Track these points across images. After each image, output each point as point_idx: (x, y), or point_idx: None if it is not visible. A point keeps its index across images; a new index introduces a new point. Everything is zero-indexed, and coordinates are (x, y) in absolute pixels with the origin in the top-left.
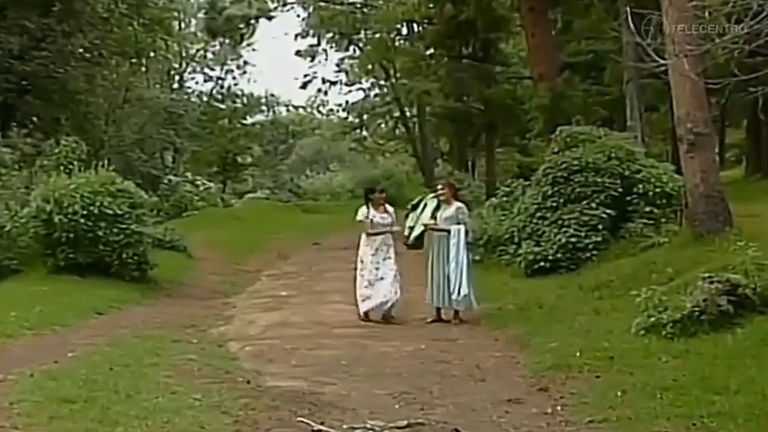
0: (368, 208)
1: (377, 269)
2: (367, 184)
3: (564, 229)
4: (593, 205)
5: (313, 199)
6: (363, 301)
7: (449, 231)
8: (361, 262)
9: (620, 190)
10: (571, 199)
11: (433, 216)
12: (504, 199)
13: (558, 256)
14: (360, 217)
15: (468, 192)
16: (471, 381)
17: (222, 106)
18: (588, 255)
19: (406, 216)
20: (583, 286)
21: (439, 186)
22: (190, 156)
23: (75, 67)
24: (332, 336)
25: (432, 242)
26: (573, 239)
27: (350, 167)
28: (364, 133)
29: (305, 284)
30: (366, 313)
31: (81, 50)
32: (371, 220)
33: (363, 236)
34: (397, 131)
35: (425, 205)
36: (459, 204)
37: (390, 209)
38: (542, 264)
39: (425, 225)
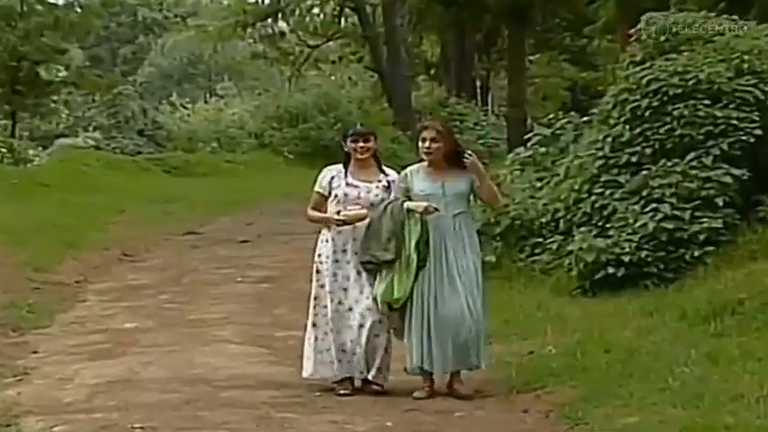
0: (345, 168)
1: (344, 292)
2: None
3: (653, 205)
4: (709, 162)
5: (185, 149)
6: (308, 359)
7: (457, 222)
8: (317, 278)
9: (759, 133)
10: (667, 150)
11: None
12: (542, 151)
13: (642, 255)
14: (318, 186)
15: (475, 137)
16: None
17: None
18: (698, 254)
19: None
20: (688, 312)
21: (424, 135)
22: None
23: None
24: (219, 405)
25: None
26: (669, 225)
27: (254, 92)
28: (281, 26)
29: (169, 309)
30: (340, 381)
31: None
32: (343, 194)
33: (324, 230)
34: (344, 23)
35: (404, 218)
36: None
37: (389, 174)
38: (611, 270)
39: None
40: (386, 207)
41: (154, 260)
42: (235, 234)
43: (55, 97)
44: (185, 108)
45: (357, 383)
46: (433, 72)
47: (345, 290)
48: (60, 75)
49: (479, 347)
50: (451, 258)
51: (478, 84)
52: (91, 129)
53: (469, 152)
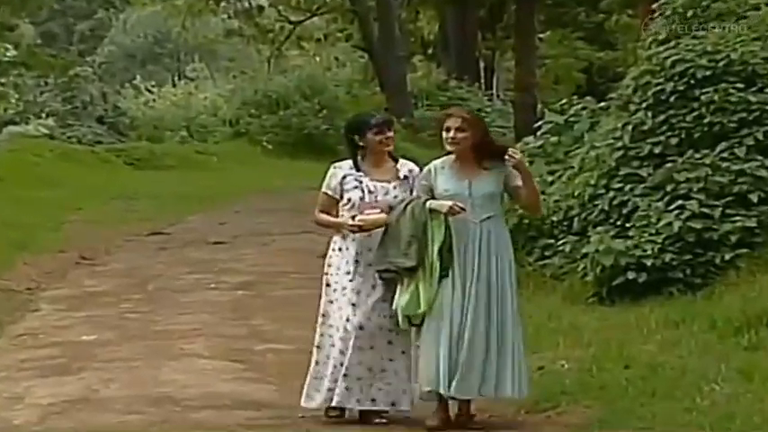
0: (355, 164)
1: (353, 308)
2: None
3: (679, 202)
4: (742, 153)
5: (150, 139)
6: (310, 390)
7: (485, 229)
8: (326, 293)
9: None
10: (694, 140)
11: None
12: (553, 140)
13: (666, 259)
14: (326, 188)
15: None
16: None
17: None
18: (729, 257)
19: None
20: (718, 322)
21: (448, 123)
22: None
23: None
24: (189, 427)
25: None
26: (697, 225)
27: (228, 74)
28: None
29: (132, 319)
30: (328, 409)
31: None
32: (359, 198)
33: (336, 237)
34: None
35: (426, 219)
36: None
37: (410, 167)
38: (631, 276)
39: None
40: (405, 207)
41: (115, 264)
42: (207, 234)
43: (3, 80)
44: (151, 92)
45: (355, 414)
46: (430, 52)
47: (355, 305)
48: (9, 54)
49: (507, 373)
50: (475, 271)
51: (482, 65)
52: (44, 115)
53: (512, 150)
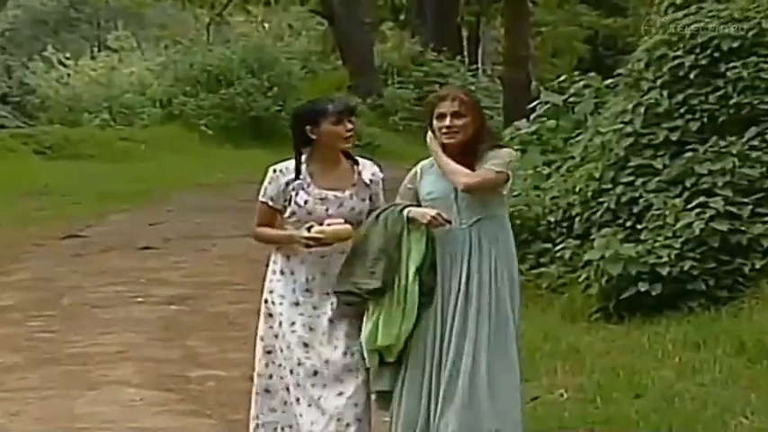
0: (297, 165)
1: (305, 348)
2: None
3: (700, 199)
4: None
5: (64, 122)
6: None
7: (474, 235)
8: (269, 325)
9: None
10: (719, 125)
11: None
12: (550, 125)
13: (686, 267)
14: (264, 195)
15: None
16: None
17: None
18: (760, 265)
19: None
20: (747, 343)
21: (442, 108)
22: None
23: None
24: None
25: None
26: (722, 226)
27: (159, 44)
28: None
29: (43, 339)
30: None
31: None
32: (306, 213)
33: (277, 256)
34: None
35: (401, 231)
36: (505, 150)
37: (373, 170)
38: (644, 287)
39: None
40: (378, 216)
41: (22, 274)
42: (133, 238)
43: None
44: (65, 66)
45: None
46: (402, 18)
47: (307, 345)
48: None
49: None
50: (460, 290)
51: (465, 34)
52: None
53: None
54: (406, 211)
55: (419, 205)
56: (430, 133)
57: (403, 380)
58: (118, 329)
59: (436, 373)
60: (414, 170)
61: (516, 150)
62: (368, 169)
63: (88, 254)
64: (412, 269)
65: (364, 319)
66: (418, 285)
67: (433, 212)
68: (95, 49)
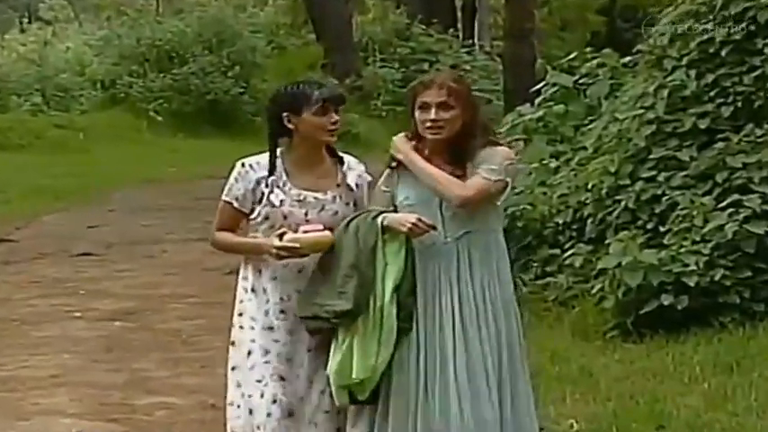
0: (272, 158)
1: (281, 383)
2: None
3: (733, 197)
4: None
5: None
6: None
7: (462, 248)
8: (238, 352)
9: None
10: (755, 110)
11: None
12: (559, 110)
13: (716, 277)
14: (228, 194)
15: None
16: None
17: None
18: None
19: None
20: None
21: (426, 98)
22: None
23: None
24: None
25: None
26: (759, 229)
27: (100, 15)
28: None
29: None
30: None
31: None
32: (281, 216)
33: (247, 269)
34: None
35: (376, 242)
36: (501, 150)
37: (359, 170)
38: (667, 301)
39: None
40: (348, 224)
41: None
42: (69, 243)
43: None
44: None
45: None
46: None
47: (284, 379)
48: None
49: None
50: (455, 312)
51: (458, 4)
52: None
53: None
54: (380, 219)
55: (396, 211)
56: (400, 135)
57: (383, 427)
58: (52, 350)
59: (424, 414)
60: (389, 169)
61: (519, 140)
62: (354, 170)
63: (17, 261)
64: (389, 288)
65: (332, 348)
66: (395, 307)
67: (413, 218)
68: (25, 21)
